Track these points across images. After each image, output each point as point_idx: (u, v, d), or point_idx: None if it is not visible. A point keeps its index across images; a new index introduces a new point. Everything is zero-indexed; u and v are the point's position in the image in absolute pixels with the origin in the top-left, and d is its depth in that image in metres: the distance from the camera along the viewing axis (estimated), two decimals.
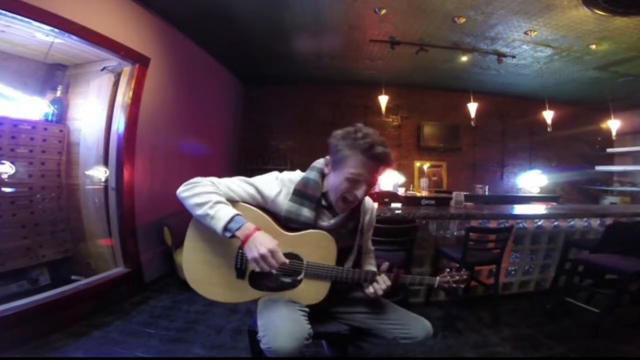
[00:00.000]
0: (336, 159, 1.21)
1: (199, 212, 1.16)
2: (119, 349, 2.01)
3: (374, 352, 1.95)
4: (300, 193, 1.26)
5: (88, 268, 2.87)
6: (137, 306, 2.64)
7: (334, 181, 1.23)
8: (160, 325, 2.34)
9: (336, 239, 1.26)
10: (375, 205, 1.49)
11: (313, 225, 1.26)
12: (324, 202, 1.30)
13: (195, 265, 1.27)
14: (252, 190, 1.27)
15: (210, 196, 1.17)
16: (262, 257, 1.11)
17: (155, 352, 2.00)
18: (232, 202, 1.23)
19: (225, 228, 1.13)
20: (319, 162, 1.33)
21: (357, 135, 1.17)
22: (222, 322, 2.38)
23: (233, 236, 1.14)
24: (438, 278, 1.31)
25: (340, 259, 1.29)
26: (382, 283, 1.25)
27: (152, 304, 2.70)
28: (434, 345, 2.13)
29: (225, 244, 1.24)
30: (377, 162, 1.18)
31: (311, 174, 1.30)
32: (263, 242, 1.12)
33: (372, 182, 1.22)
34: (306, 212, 1.24)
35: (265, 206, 1.28)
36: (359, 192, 1.20)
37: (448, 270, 1.33)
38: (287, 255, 1.22)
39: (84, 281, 2.57)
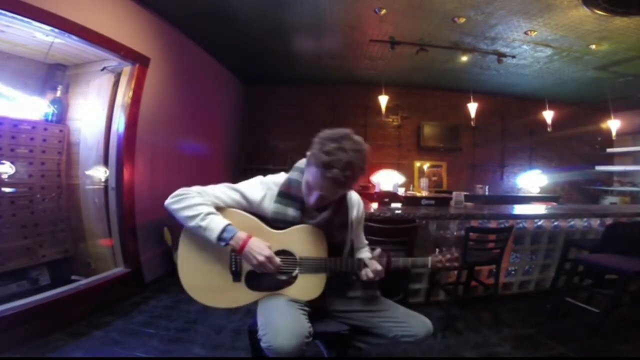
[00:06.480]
0: (307, 158, 1.23)
1: (191, 224, 1.21)
2: (119, 349, 2.01)
3: (374, 352, 1.96)
4: (285, 194, 1.30)
5: (88, 268, 2.87)
6: (137, 306, 2.64)
7: (305, 177, 1.24)
8: (160, 325, 2.34)
9: (327, 235, 1.29)
10: (361, 200, 1.49)
11: (299, 223, 1.29)
12: None
13: (192, 273, 1.32)
14: (237, 196, 1.31)
15: (201, 208, 1.21)
16: (261, 264, 1.19)
17: (155, 352, 2.00)
18: (219, 208, 1.27)
19: (219, 238, 1.19)
20: (301, 162, 1.35)
21: (325, 148, 1.13)
22: (222, 322, 2.39)
23: (227, 244, 1.20)
24: (430, 258, 1.31)
25: (334, 254, 1.31)
26: (375, 267, 1.27)
27: (152, 304, 2.70)
28: (434, 345, 2.13)
29: (218, 250, 1.27)
30: (330, 182, 1.14)
31: (293, 174, 1.33)
32: (259, 250, 1.20)
33: (327, 195, 1.20)
34: (292, 212, 1.29)
35: (251, 210, 1.32)
36: (312, 198, 1.21)
37: (438, 250, 1.34)
38: (279, 252, 1.26)
39: (84, 281, 2.57)
